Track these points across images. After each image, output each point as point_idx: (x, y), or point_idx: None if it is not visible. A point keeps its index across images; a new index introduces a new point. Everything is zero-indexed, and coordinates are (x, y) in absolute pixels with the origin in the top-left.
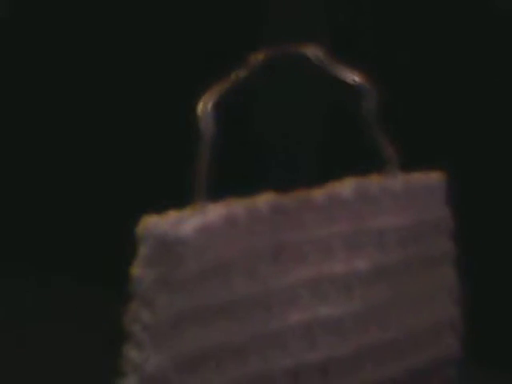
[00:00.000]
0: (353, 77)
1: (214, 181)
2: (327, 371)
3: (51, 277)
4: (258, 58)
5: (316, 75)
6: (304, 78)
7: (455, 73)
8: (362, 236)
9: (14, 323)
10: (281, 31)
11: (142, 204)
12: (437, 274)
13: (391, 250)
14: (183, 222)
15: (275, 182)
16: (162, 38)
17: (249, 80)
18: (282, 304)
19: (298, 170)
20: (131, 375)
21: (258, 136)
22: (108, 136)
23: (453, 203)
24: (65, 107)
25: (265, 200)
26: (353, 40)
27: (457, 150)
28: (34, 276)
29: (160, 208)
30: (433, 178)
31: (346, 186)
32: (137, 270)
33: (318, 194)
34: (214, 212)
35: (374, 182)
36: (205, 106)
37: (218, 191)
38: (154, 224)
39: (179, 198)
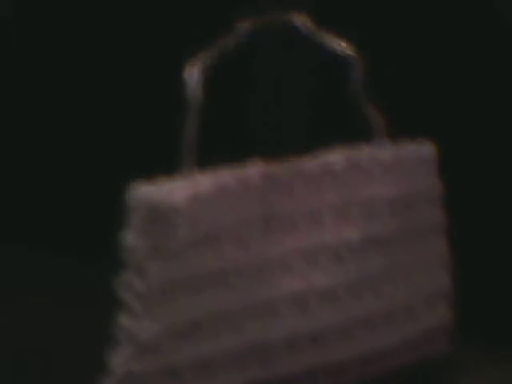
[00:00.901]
0: (340, 45)
1: (202, 147)
2: (321, 340)
3: (38, 248)
4: (245, 25)
5: (303, 43)
6: (291, 45)
7: (445, 38)
8: (352, 206)
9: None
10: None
11: (129, 172)
12: (428, 243)
13: (382, 220)
14: (175, 192)
15: (264, 150)
16: (148, 6)
17: (236, 47)
18: (273, 273)
19: (287, 140)
20: (125, 344)
21: (246, 104)
22: (94, 104)
23: (443, 172)
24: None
25: (255, 169)
26: (339, 8)
27: (446, 118)
28: (22, 245)
29: (148, 176)
30: (423, 148)
31: (336, 156)
32: (129, 239)
33: (308, 163)
34: (206, 181)
35: (364, 152)
36: (192, 72)
37: (206, 158)
38: (145, 193)
39: (167, 165)
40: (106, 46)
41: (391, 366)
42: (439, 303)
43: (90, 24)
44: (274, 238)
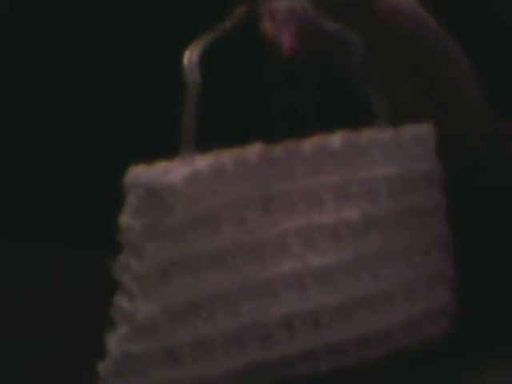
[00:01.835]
0: (339, 28)
1: (201, 131)
2: (319, 321)
3: (36, 230)
4: (244, 9)
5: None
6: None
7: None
8: (351, 186)
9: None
10: None
11: (127, 156)
12: (428, 225)
13: (381, 201)
14: (171, 172)
15: (266, 133)
16: None
17: (235, 30)
18: (272, 253)
19: (289, 123)
20: (122, 325)
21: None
22: (91, 87)
23: (442, 155)
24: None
25: (252, 150)
26: None
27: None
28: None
29: (146, 160)
30: (423, 130)
31: (334, 137)
32: (125, 219)
33: (307, 144)
34: (203, 162)
35: (362, 134)
36: (191, 56)
37: (206, 142)
38: (142, 173)
39: (166, 149)
40: (105, 30)
41: (391, 349)
42: (439, 285)
43: (87, 10)
44: (272, 219)
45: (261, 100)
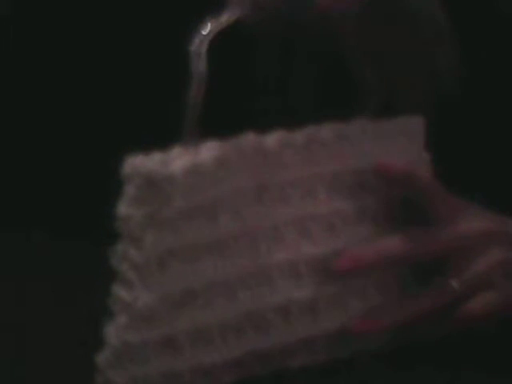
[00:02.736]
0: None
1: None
2: (316, 309)
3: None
4: None
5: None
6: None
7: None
8: (342, 177)
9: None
10: None
11: (128, 145)
12: None
13: (372, 191)
14: (170, 161)
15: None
16: None
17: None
18: (267, 242)
19: (286, 113)
20: (121, 314)
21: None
22: (93, 75)
23: (431, 147)
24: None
25: (247, 141)
26: None
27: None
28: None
29: (146, 149)
30: (412, 121)
31: (325, 128)
32: (123, 208)
33: (297, 135)
34: (200, 151)
35: (353, 124)
36: (195, 44)
37: (206, 131)
38: (140, 162)
39: (166, 138)
40: (107, 19)
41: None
42: None
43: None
44: (266, 208)
45: (253, 89)
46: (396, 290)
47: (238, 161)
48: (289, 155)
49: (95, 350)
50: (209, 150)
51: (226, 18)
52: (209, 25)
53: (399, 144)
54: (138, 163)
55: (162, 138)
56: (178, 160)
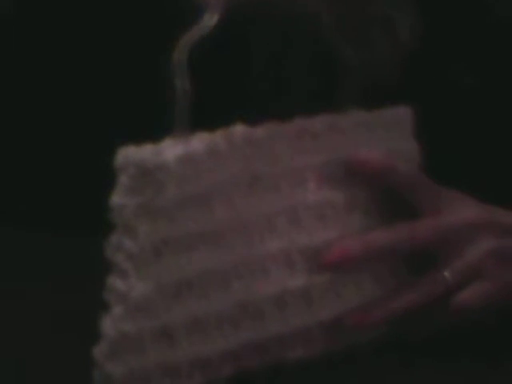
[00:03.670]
0: None
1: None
2: (310, 298)
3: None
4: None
5: None
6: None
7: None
8: (333, 167)
9: None
10: None
11: (120, 139)
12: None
13: (363, 181)
14: (164, 151)
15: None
16: None
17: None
18: (260, 232)
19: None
20: (116, 305)
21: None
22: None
23: (420, 136)
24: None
25: (238, 131)
26: None
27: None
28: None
29: (137, 142)
30: (400, 111)
31: (316, 119)
32: (117, 198)
33: (289, 126)
34: (193, 141)
35: (344, 115)
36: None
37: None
38: (133, 153)
39: (157, 133)
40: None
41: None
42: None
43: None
44: (258, 198)
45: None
46: (390, 280)
47: (229, 151)
48: (280, 146)
49: (92, 343)
50: (200, 141)
51: (207, 19)
52: (193, 29)
53: (389, 134)
54: (130, 153)
55: (153, 132)
56: (170, 149)
